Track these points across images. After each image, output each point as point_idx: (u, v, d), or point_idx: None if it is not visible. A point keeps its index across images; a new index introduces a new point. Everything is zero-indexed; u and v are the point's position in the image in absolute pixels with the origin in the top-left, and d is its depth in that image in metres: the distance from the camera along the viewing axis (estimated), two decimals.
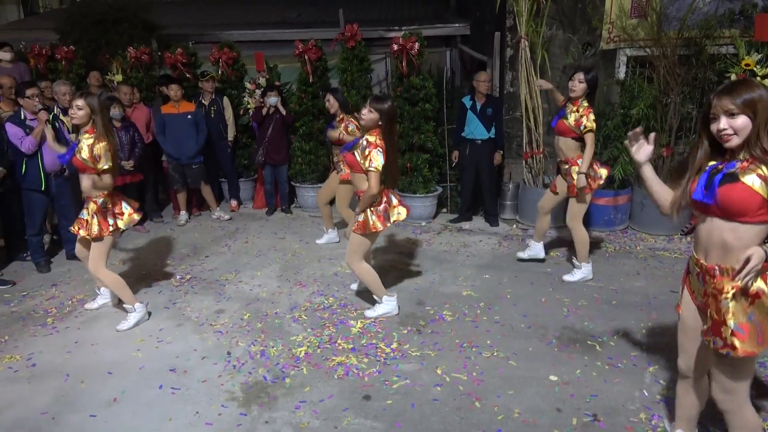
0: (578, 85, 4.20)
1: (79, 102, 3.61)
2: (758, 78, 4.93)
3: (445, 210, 6.69)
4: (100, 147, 3.62)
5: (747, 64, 5.03)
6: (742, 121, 1.97)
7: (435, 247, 5.54)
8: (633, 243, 5.53)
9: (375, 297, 4.05)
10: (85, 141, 3.65)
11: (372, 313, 4.03)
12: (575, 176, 4.27)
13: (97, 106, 3.66)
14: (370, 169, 3.62)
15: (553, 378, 3.25)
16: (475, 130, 5.87)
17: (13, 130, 4.65)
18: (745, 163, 1.98)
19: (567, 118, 4.25)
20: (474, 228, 6.12)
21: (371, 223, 3.76)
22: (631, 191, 5.90)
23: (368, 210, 3.77)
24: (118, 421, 2.94)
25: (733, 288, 2.00)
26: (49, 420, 2.96)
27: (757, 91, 1.96)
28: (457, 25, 9.11)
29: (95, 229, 3.72)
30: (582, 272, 4.57)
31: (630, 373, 3.27)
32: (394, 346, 3.64)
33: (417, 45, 5.97)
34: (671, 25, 5.59)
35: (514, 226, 6.15)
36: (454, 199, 6.60)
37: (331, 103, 5.25)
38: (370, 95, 6.48)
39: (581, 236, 4.48)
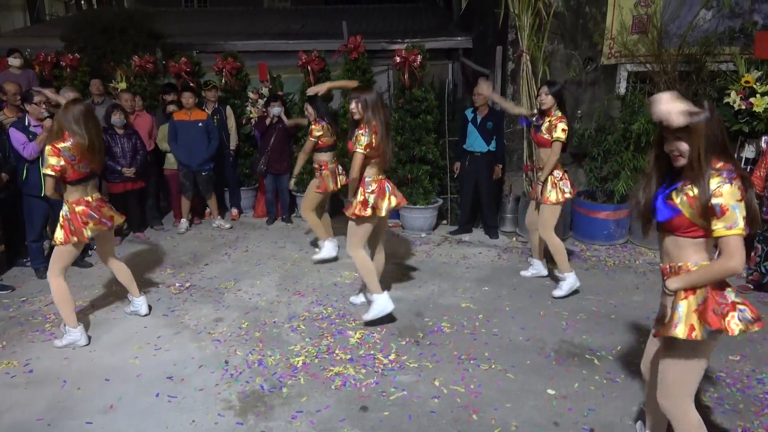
0: (545, 97, 4.37)
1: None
2: (758, 95, 4.97)
3: (445, 222, 6.70)
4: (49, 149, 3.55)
5: (747, 81, 5.07)
6: (685, 145, 2.05)
7: (434, 258, 5.55)
8: (632, 257, 5.53)
9: (367, 294, 4.00)
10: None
11: (368, 315, 3.97)
12: (549, 188, 4.42)
13: (70, 112, 3.59)
14: (355, 150, 3.73)
15: (550, 391, 3.24)
16: (475, 142, 5.90)
17: (16, 136, 4.67)
18: (684, 184, 2.10)
19: (541, 129, 4.41)
20: (474, 240, 6.12)
21: (355, 207, 3.82)
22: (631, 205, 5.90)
23: (357, 195, 3.82)
24: (114, 428, 2.93)
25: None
26: (45, 426, 2.95)
27: (696, 117, 2.00)
28: (459, 38, 9.19)
29: (59, 236, 3.67)
30: (568, 283, 4.52)
31: (628, 388, 3.26)
32: (392, 357, 3.63)
33: (419, 57, 6.01)
34: (672, 41, 5.64)
35: (514, 238, 6.16)
36: (454, 210, 6.62)
37: (309, 112, 5.26)
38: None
39: (555, 245, 4.48)
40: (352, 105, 3.81)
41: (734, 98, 5.09)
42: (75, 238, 3.66)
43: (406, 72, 6.07)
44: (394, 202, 3.97)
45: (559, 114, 4.34)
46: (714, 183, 1.99)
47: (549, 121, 4.35)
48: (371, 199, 3.84)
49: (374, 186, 3.88)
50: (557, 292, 4.53)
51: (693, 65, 5.59)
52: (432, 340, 3.87)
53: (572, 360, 3.59)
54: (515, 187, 6.42)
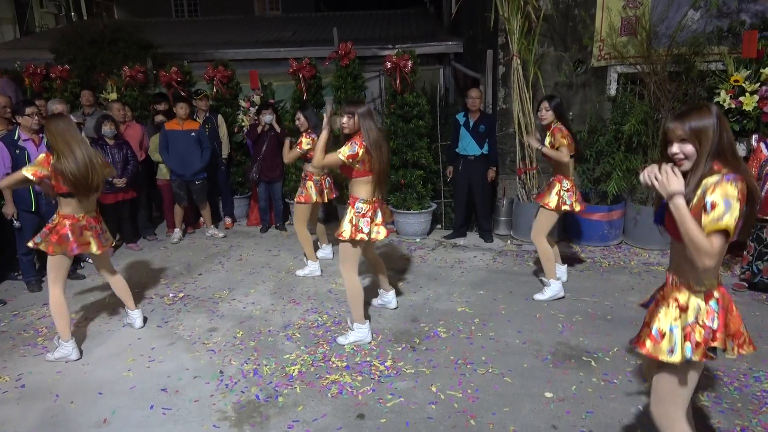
0: (545, 113, 4.34)
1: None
2: (747, 93, 5.00)
3: (439, 226, 6.70)
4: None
5: (736, 80, 5.10)
6: (691, 148, 1.98)
7: (429, 263, 5.53)
8: (627, 258, 5.53)
9: (348, 321, 3.95)
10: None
11: (344, 340, 3.90)
12: (553, 194, 4.37)
13: (51, 125, 3.50)
14: (337, 155, 3.61)
15: (548, 395, 3.22)
16: (468, 146, 5.91)
17: (1, 156, 4.58)
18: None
19: (546, 146, 4.37)
20: (468, 244, 6.12)
21: (342, 229, 3.73)
22: (625, 206, 5.92)
23: (349, 217, 3.73)
24: None
25: (674, 300, 2.10)
26: None
27: (704, 121, 1.96)
28: (450, 43, 9.22)
29: (37, 239, 3.64)
30: (552, 290, 4.52)
31: (626, 389, 3.25)
32: (389, 363, 3.61)
33: (410, 63, 6.02)
34: (661, 42, 5.67)
35: (509, 241, 6.15)
36: (449, 215, 6.61)
37: (302, 122, 5.14)
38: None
39: (544, 250, 4.46)
40: (344, 119, 3.70)
41: (724, 97, 5.12)
42: (49, 247, 3.59)
43: (397, 77, 6.08)
44: (382, 234, 3.81)
45: (557, 125, 4.28)
46: (710, 180, 1.92)
47: (551, 134, 4.31)
48: (361, 223, 3.71)
49: (366, 208, 3.73)
50: (539, 296, 4.55)
51: (682, 65, 5.62)
52: (428, 346, 3.85)
53: (569, 362, 3.58)
54: (509, 190, 6.43)
